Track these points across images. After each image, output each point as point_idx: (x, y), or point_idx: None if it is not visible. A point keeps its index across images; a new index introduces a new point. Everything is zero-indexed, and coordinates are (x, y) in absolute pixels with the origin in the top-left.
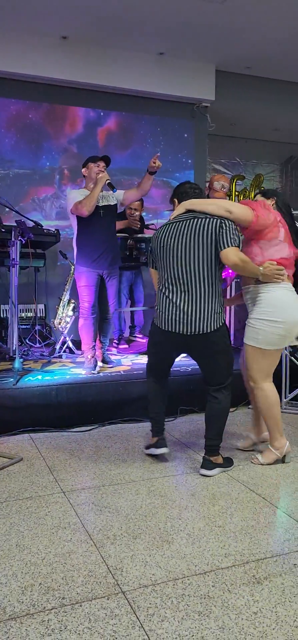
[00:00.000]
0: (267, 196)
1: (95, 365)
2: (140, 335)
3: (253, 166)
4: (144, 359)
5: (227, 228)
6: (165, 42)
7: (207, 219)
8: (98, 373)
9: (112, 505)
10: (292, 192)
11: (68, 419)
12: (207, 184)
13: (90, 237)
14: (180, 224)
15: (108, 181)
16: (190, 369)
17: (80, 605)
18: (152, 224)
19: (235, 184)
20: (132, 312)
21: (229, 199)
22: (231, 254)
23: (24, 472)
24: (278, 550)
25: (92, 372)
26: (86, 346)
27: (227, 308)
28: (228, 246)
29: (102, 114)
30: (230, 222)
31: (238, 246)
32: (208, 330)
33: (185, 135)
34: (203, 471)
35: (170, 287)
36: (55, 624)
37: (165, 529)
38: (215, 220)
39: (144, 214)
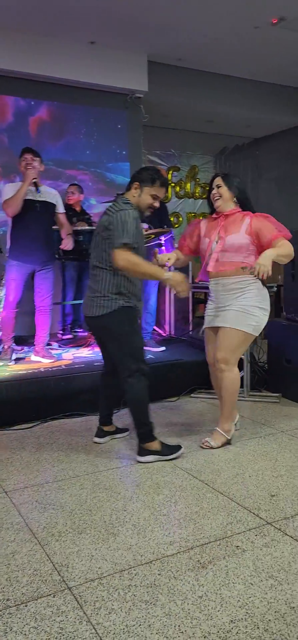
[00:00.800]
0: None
1: (11, 355)
2: (81, 329)
3: (188, 157)
4: (85, 352)
5: (116, 225)
6: (96, 31)
7: (106, 215)
8: (39, 369)
9: (56, 502)
10: None
11: (9, 417)
12: None
13: (24, 231)
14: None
15: (34, 179)
16: None
17: (26, 605)
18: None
19: (171, 176)
20: (76, 305)
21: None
22: (117, 257)
23: None
24: (222, 534)
25: (8, 363)
26: (5, 337)
27: (167, 299)
28: (117, 246)
29: (32, 103)
30: (120, 219)
31: (131, 244)
32: (99, 314)
33: (119, 126)
34: (137, 457)
35: (89, 272)
36: None
37: (111, 521)
38: (107, 216)
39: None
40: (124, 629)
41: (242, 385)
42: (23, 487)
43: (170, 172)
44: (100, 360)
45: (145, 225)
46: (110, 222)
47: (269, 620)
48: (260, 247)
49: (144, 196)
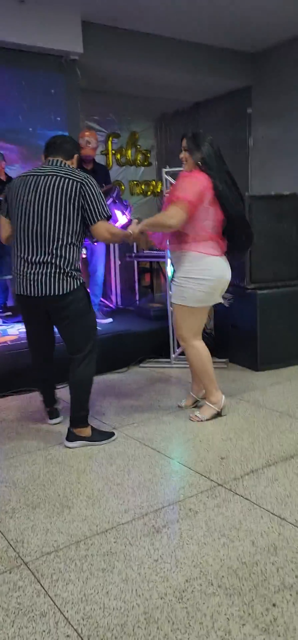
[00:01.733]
0: (194, 151)
1: None
2: None
3: (128, 123)
4: None
5: (92, 196)
6: None
7: (68, 179)
8: None
9: (8, 479)
10: (167, 149)
11: None
12: None
13: None
14: (40, 178)
15: None
16: None
17: None
18: None
19: (111, 142)
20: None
21: (105, 158)
22: (101, 230)
23: None
24: (175, 498)
25: None
26: None
27: (113, 270)
28: (97, 220)
29: None
30: (92, 187)
31: (108, 216)
32: (59, 293)
33: (55, 90)
34: (65, 442)
35: (26, 245)
36: None
37: (65, 494)
38: (76, 182)
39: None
40: (82, 598)
41: None
42: None
43: (110, 138)
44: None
45: None
46: (85, 192)
47: (222, 576)
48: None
49: (75, 167)
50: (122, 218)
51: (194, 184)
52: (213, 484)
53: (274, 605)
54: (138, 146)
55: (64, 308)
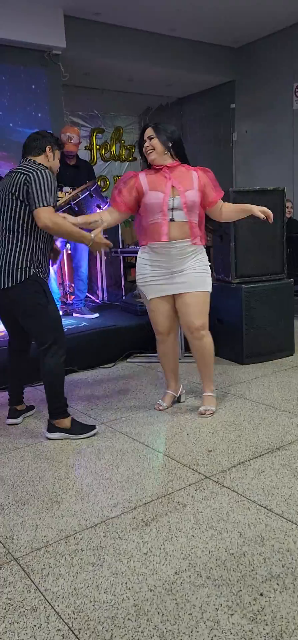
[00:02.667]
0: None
1: None
2: None
3: (112, 118)
4: None
5: (36, 184)
6: None
7: (19, 174)
8: None
9: None
10: None
11: None
12: None
13: None
14: (8, 177)
15: None
16: (66, 329)
17: None
18: None
19: (95, 138)
20: None
21: (90, 153)
22: (41, 216)
23: None
24: (163, 491)
25: None
26: None
27: (98, 265)
28: (39, 206)
29: None
30: (40, 177)
31: (53, 205)
32: (7, 285)
33: (37, 85)
34: (45, 433)
35: None
36: None
37: (54, 490)
38: (23, 175)
39: None
40: (72, 592)
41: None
42: None
43: (94, 134)
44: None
45: (66, 189)
46: (28, 181)
47: (211, 568)
48: (203, 205)
49: (56, 160)
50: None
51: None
52: (200, 477)
53: (261, 594)
54: (122, 141)
55: (15, 300)
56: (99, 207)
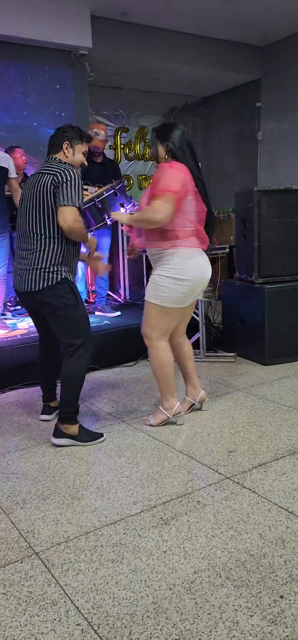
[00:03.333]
0: (163, 140)
1: None
2: None
3: (137, 118)
4: None
5: (64, 184)
6: None
7: (46, 175)
8: None
9: (18, 470)
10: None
11: None
12: None
13: None
14: (34, 177)
15: None
16: None
17: None
18: None
19: (120, 137)
20: None
21: (114, 152)
22: (65, 214)
23: None
24: (183, 490)
25: None
26: None
27: (121, 263)
28: (64, 204)
29: None
30: (67, 177)
31: (78, 207)
32: (37, 289)
33: (63, 85)
34: (52, 438)
35: (18, 241)
36: None
37: (74, 486)
38: (50, 175)
39: None
40: (92, 587)
41: (198, 347)
42: None
43: (119, 133)
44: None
45: (91, 189)
46: (55, 182)
47: (230, 568)
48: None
49: (77, 155)
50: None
51: (176, 174)
52: (221, 477)
53: (282, 597)
54: (146, 140)
55: (44, 303)
56: (123, 206)
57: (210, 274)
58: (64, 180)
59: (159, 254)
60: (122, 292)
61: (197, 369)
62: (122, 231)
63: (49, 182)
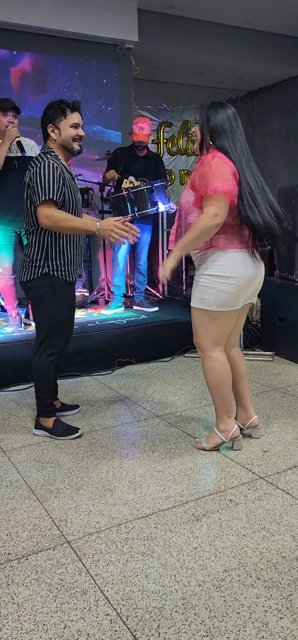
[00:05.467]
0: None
1: (21, 322)
2: (85, 289)
3: (181, 112)
4: (78, 314)
5: (35, 180)
6: None
7: (28, 170)
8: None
9: (53, 460)
10: None
11: (4, 379)
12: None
13: (5, 192)
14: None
15: (18, 139)
16: (125, 321)
17: (27, 559)
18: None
19: (163, 131)
20: None
21: (157, 147)
22: (40, 214)
23: None
24: (215, 488)
25: (19, 328)
26: (9, 306)
27: (160, 258)
28: (38, 204)
29: (14, 52)
30: (37, 171)
31: (48, 199)
32: (22, 280)
33: (108, 79)
34: (33, 429)
35: None
36: (1, 579)
37: (107, 478)
38: (28, 171)
39: None
40: (122, 579)
41: None
42: (21, 447)
43: (162, 127)
44: (93, 321)
45: (131, 178)
46: (30, 179)
47: (261, 569)
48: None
49: (64, 132)
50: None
51: (222, 167)
52: (254, 477)
53: None
54: (190, 135)
55: (26, 294)
56: (154, 205)
57: (263, 274)
58: (34, 174)
59: (200, 255)
60: (160, 287)
61: (250, 390)
62: (163, 227)
63: (27, 179)
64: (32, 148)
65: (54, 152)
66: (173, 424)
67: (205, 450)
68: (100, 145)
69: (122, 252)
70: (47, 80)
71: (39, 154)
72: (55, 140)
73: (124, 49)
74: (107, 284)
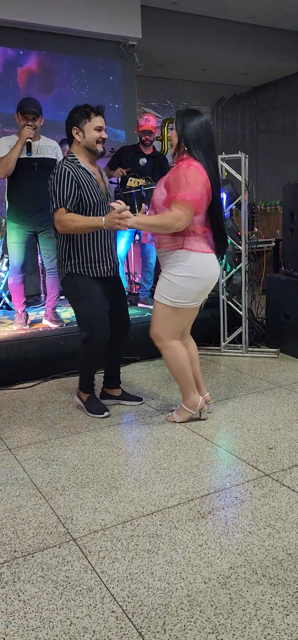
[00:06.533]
0: (181, 129)
1: (26, 320)
2: None
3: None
4: None
5: (51, 187)
6: None
7: (50, 175)
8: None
9: (59, 457)
10: (223, 134)
11: (10, 377)
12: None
13: (22, 192)
14: None
15: (28, 140)
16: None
17: (33, 556)
18: None
19: (167, 128)
20: None
21: (161, 144)
22: (55, 222)
23: None
24: (221, 485)
25: (24, 327)
26: (16, 302)
27: None
28: (52, 211)
29: (21, 52)
30: (54, 179)
31: (63, 204)
32: (60, 279)
33: (112, 77)
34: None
35: None
36: (8, 577)
37: (113, 475)
38: (50, 177)
39: None
40: (127, 576)
41: (240, 341)
42: (26, 445)
43: (166, 124)
44: None
45: (133, 179)
46: (48, 185)
47: (267, 566)
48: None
49: (88, 135)
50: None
51: (196, 177)
52: (260, 474)
53: None
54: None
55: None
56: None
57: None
58: (52, 181)
59: (169, 253)
60: None
61: (202, 371)
62: None
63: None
64: (53, 149)
65: (74, 155)
66: (178, 422)
67: (176, 422)
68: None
69: (121, 248)
70: (54, 80)
71: (62, 161)
72: (79, 142)
73: (128, 46)
74: None
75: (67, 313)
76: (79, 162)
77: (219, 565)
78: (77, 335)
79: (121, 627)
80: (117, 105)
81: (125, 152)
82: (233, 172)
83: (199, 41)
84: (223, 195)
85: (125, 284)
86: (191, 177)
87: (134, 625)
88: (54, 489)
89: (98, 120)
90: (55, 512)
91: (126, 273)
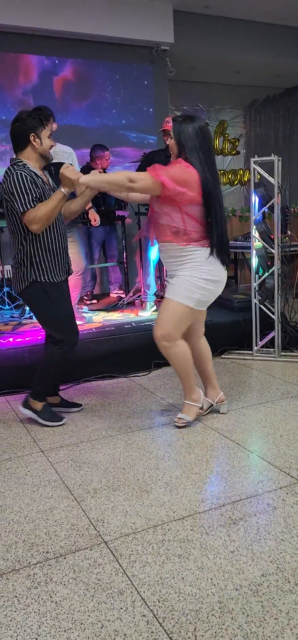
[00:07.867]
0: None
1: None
2: (121, 291)
3: (217, 112)
4: (115, 315)
5: (14, 194)
6: None
7: (4, 179)
8: None
9: (90, 460)
10: (256, 137)
11: None
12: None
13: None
14: None
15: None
16: None
17: (64, 558)
18: None
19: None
20: (108, 268)
21: None
22: (29, 225)
23: (2, 434)
24: (253, 491)
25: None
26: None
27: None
28: (22, 211)
29: (57, 61)
30: (14, 186)
31: (30, 206)
32: (18, 291)
33: (145, 82)
34: (19, 406)
35: None
36: (40, 577)
37: (144, 479)
38: (4, 180)
39: None
40: (158, 580)
41: (273, 345)
42: (59, 447)
43: None
44: (129, 323)
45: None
46: (4, 190)
47: None
48: (173, 200)
49: (45, 142)
50: None
51: (182, 171)
52: (293, 481)
53: None
54: (226, 135)
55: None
56: None
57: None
58: (8, 187)
59: (186, 250)
60: None
61: (234, 376)
62: None
63: (3, 184)
64: (70, 155)
65: (23, 161)
66: (210, 426)
67: (189, 423)
68: (138, 147)
69: (154, 254)
70: (89, 87)
71: (11, 166)
72: (37, 149)
73: (160, 50)
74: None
75: (99, 317)
76: (30, 168)
77: (251, 573)
78: (109, 338)
79: (152, 632)
80: (151, 109)
81: (157, 155)
82: (266, 175)
83: (231, 44)
84: (256, 199)
85: (155, 289)
86: (180, 173)
87: (165, 630)
88: (86, 491)
89: (50, 128)
90: (87, 514)
91: (158, 277)
